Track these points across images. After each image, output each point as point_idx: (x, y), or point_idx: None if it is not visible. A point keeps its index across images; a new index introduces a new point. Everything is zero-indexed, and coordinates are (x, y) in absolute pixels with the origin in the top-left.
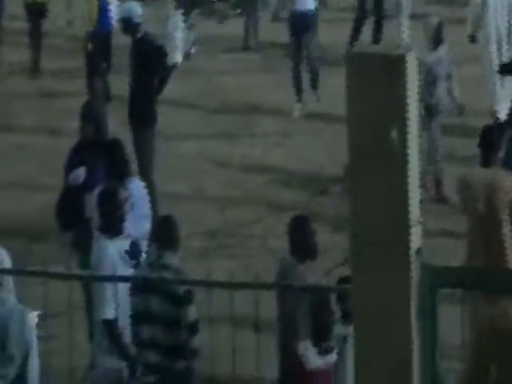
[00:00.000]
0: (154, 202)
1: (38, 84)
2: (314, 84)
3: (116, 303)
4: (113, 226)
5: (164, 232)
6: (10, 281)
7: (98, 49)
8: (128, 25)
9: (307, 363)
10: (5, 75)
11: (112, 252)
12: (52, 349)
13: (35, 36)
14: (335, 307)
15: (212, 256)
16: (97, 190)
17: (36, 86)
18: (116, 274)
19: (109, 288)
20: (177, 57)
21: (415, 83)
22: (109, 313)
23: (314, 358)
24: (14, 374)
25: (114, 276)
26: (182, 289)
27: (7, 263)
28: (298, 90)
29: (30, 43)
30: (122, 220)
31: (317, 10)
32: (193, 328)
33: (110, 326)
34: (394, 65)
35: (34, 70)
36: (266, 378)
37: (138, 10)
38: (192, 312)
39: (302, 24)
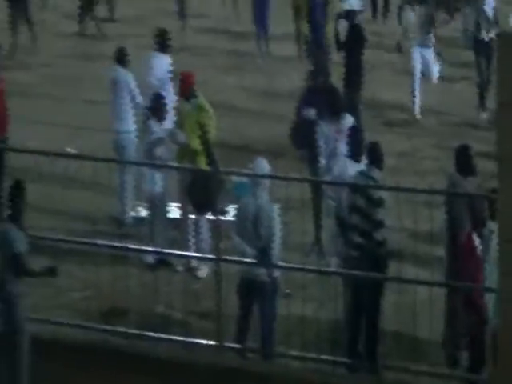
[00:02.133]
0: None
1: None
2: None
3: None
4: (357, 153)
5: (372, 153)
6: (266, 183)
7: None
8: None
9: (475, 244)
10: None
11: (351, 171)
12: (287, 231)
13: None
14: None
15: (401, 172)
16: (323, 124)
17: None
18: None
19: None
20: None
21: None
22: (340, 211)
23: (477, 241)
24: (260, 247)
25: (336, 181)
26: (376, 194)
27: (267, 170)
28: (483, 99)
29: None
30: (362, 150)
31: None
32: (378, 224)
33: (342, 220)
34: None
35: None
36: (440, 255)
37: (358, 3)
38: (380, 213)
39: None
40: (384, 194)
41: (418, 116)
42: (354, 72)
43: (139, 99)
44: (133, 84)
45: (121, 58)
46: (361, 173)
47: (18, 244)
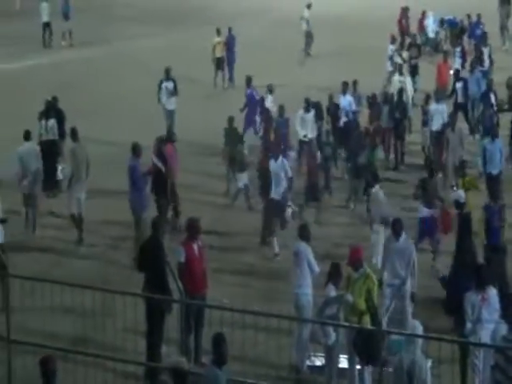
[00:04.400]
0: None
1: None
2: None
3: None
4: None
5: None
6: (419, 341)
7: None
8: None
9: None
10: None
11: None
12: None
13: None
14: None
15: None
16: (470, 293)
17: None
18: None
19: None
20: None
21: None
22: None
23: None
24: None
25: (478, 343)
26: None
27: (420, 330)
28: None
29: None
30: None
31: None
32: None
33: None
34: None
35: None
36: None
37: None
38: None
39: None
40: None
41: None
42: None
43: (316, 268)
44: (311, 256)
45: (303, 234)
46: (503, 338)
47: None
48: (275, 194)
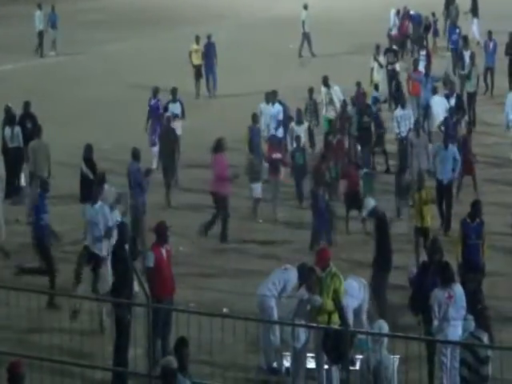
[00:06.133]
0: None
1: None
2: None
3: None
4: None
5: (480, 318)
6: (385, 340)
7: None
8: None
9: None
10: None
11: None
12: (404, 380)
13: None
14: None
15: None
16: (436, 291)
17: None
18: None
19: None
20: None
21: None
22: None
23: None
24: None
25: (447, 340)
26: (483, 353)
27: (386, 329)
28: None
29: None
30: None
31: None
32: (484, 379)
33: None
34: None
35: None
36: None
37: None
38: (486, 369)
39: None
40: (490, 353)
41: None
42: None
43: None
44: (289, 288)
45: (299, 274)
46: (471, 334)
47: None
48: (90, 243)
